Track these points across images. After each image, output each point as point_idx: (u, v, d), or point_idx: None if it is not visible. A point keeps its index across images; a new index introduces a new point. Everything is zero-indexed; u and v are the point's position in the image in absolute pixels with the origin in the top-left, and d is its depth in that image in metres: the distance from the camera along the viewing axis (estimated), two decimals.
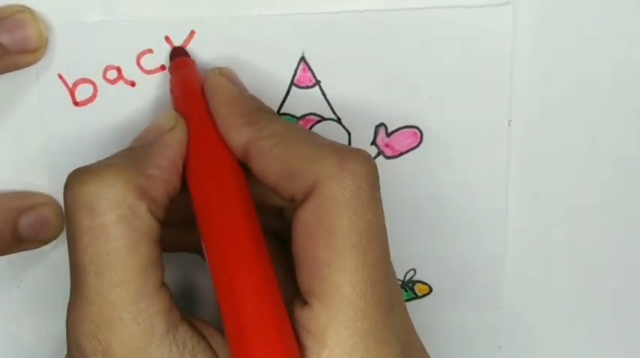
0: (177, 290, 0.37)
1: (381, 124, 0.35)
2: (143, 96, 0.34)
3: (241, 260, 0.28)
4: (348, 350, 0.27)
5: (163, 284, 0.28)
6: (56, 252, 0.36)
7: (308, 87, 0.35)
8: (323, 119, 0.35)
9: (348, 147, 0.30)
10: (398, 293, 0.30)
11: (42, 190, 0.35)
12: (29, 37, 0.32)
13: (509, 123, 0.35)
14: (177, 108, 0.32)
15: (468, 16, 0.33)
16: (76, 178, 0.28)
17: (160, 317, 0.28)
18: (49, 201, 0.35)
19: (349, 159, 0.28)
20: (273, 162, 0.29)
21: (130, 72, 0.34)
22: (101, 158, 0.34)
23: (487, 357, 0.39)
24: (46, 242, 0.35)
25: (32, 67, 0.33)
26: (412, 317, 0.38)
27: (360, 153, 0.29)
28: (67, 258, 0.29)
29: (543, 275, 0.38)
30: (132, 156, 0.29)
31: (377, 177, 0.29)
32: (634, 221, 0.37)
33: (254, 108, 0.31)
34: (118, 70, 0.34)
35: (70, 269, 0.28)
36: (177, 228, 0.32)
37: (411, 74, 0.34)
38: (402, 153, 0.36)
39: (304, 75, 0.34)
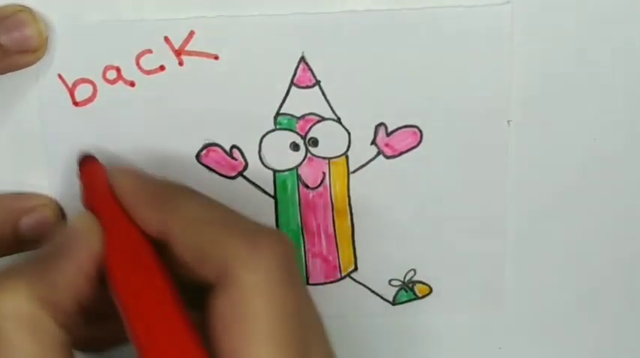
0: None
1: (381, 124, 0.35)
2: (142, 97, 0.34)
3: (175, 349, 0.27)
4: None
5: None
6: None
7: (308, 87, 0.35)
8: (323, 119, 0.35)
9: (261, 229, 0.29)
10: None
11: (42, 190, 0.35)
12: (29, 37, 0.32)
13: (509, 123, 0.35)
14: (90, 209, 0.32)
15: (467, 15, 0.33)
16: None
17: None
18: (49, 202, 0.35)
19: (260, 245, 0.27)
20: (186, 246, 0.29)
21: (130, 72, 0.34)
22: (101, 158, 0.34)
23: (487, 357, 0.39)
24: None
25: (32, 67, 0.33)
26: (412, 317, 0.38)
27: (272, 235, 0.28)
28: None
29: (543, 275, 0.38)
30: (39, 264, 0.29)
31: (291, 258, 0.28)
32: (634, 221, 0.37)
33: (164, 193, 0.30)
34: (118, 70, 0.34)
35: None
36: (107, 323, 0.32)
37: (411, 74, 0.34)
38: (401, 153, 0.36)
39: (304, 75, 0.34)
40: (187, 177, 0.33)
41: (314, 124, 0.35)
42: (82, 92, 0.34)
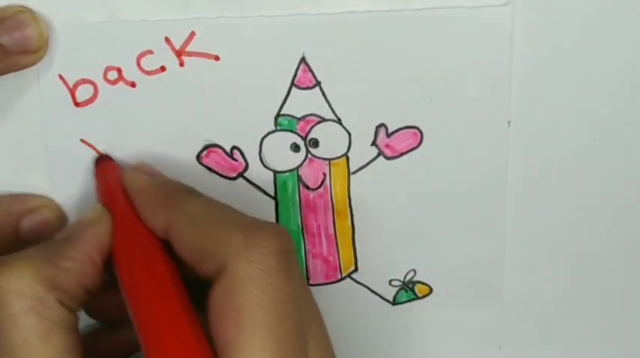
0: None
1: (382, 125, 0.35)
2: (143, 97, 0.34)
3: (179, 344, 0.28)
4: None
5: None
6: None
7: (308, 87, 0.35)
8: (323, 120, 0.35)
9: (258, 222, 0.29)
10: None
11: (42, 191, 0.35)
12: (30, 38, 0.32)
13: (509, 123, 0.35)
14: (105, 205, 0.33)
15: (468, 16, 0.33)
16: None
17: None
18: (49, 203, 0.35)
19: (256, 237, 0.28)
20: (187, 243, 0.29)
21: (130, 72, 0.34)
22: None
23: (487, 357, 0.39)
24: None
25: (33, 68, 0.33)
26: (413, 317, 0.38)
27: (269, 229, 0.29)
28: None
29: (543, 275, 0.38)
30: (48, 249, 0.30)
31: (288, 251, 0.28)
32: (634, 221, 0.37)
33: (169, 191, 0.31)
34: (119, 70, 0.34)
35: None
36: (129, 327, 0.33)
37: (411, 74, 0.34)
38: (402, 154, 0.36)
39: (305, 75, 0.34)
40: (188, 178, 0.33)
41: (314, 125, 0.35)
42: (83, 93, 0.34)
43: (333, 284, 0.38)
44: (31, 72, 0.33)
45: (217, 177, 0.35)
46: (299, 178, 0.36)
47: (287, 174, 0.36)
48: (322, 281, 0.37)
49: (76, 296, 0.29)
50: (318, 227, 0.37)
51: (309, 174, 0.36)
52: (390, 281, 0.38)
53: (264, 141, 0.35)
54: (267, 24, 0.34)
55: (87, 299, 0.30)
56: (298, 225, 0.36)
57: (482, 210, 0.36)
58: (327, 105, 0.35)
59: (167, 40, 0.34)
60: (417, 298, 0.38)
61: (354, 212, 0.36)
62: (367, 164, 0.36)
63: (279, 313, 0.27)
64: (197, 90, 0.34)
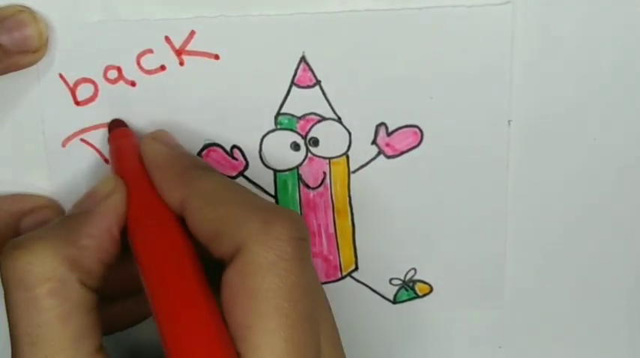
0: (125, 351, 0.37)
1: (382, 124, 0.35)
2: (143, 96, 0.34)
3: (192, 316, 0.28)
4: None
5: (101, 349, 0.29)
6: None
7: (308, 86, 0.35)
8: (323, 119, 0.35)
9: (276, 208, 0.30)
10: (330, 354, 0.30)
11: (43, 191, 0.35)
12: (30, 38, 0.32)
13: (509, 123, 0.35)
14: (117, 174, 0.32)
15: (468, 15, 0.33)
16: (9, 252, 0.28)
17: None
18: (49, 203, 0.35)
19: (274, 222, 0.28)
20: (202, 222, 0.29)
21: (131, 72, 0.34)
22: (101, 158, 0.34)
23: (488, 357, 0.39)
24: None
25: (33, 68, 0.33)
26: (413, 316, 0.38)
27: (287, 215, 0.28)
28: None
29: (543, 275, 0.38)
30: (66, 226, 0.30)
31: (304, 239, 0.29)
32: (634, 221, 0.37)
33: (186, 167, 0.31)
34: (119, 69, 0.34)
35: (10, 339, 0.29)
36: (129, 300, 0.34)
37: (411, 73, 0.34)
38: (402, 153, 0.36)
39: (304, 74, 0.34)
40: None
41: (314, 124, 0.35)
42: (84, 92, 0.34)
43: (334, 283, 0.38)
44: (31, 71, 0.33)
45: None
46: (299, 177, 0.36)
47: (287, 173, 0.36)
48: (323, 280, 0.37)
49: (97, 274, 0.29)
50: (319, 226, 0.37)
51: (309, 173, 0.36)
52: (391, 280, 0.38)
53: (264, 140, 0.35)
54: (267, 23, 0.33)
55: (106, 274, 0.30)
56: None
57: (483, 208, 0.36)
58: (327, 104, 0.35)
59: (167, 39, 0.34)
60: (418, 297, 0.38)
61: (354, 211, 0.36)
62: (367, 163, 0.36)
63: (293, 299, 0.27)
64: (197, 90, 0.34)
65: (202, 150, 0.35)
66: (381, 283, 0.38)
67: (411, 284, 0.38)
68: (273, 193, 0.36)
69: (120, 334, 0.35)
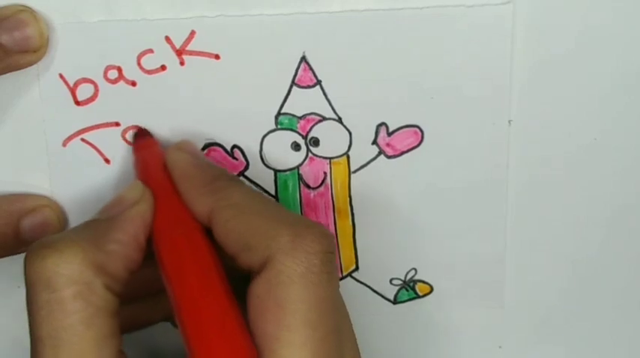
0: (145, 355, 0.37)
1: (382, 124, 0.35)
2: (144, 96, 0.34)
3: (219, 327, 0.28)
4: None
5: (121, 353, 0.29)
6: None
7: (309, 86, 0.35)
8: (324, 119, 0.35)
9: (304, 221, 0.30)
10: None
11: (43, 191, 0.35)
12: (30, 37, 0.32)
13: (509, 123, 0.35)
14: (143, 182, 0.32)
15: (468, 15, 0.33)
16: (36, 252, 0.28)
17: None
18: (50, 203, 0.35)
19: (303, 236, 0.28)
20: (231, 233, 0.29)
21: (131, 72, 0.34)
22: (102, 158, 0.34)
23: (488, 356, 0.39)
24: None
25: (33, 67, 0.33)
26: (413, 316, 0.38)
27: (316, 229, 0.29)
28: None
29: (543, 274, 0.38)
30: (93, 230, 0.30)
31: (332, 252, 0.29)
32: (634, 220, 0.37)
33: (214, 177, 0.31)
34: (119, 69, 0.34)
35: (30, 339, 0.29)
36: (145, 302, 0.34)
37: (411, 73, 0.34)
38: (402, 153, 0.36)
39: (305, 74, 0.34)
40: None
41: (315, 124, 0.35)
42: (84, 92, 0.34)
43: None
44: (31, 71, 0.33)
45: None
46: (299, 177, 0.36)
47: (287, 173, 0.36)
48: None
49: (121, 279, 0.29)
50: None
51: (309, 173, 0.36)
52: (391, 280, 0.38)
53: (265, 140, 0.35)
54: (268, 23, 0.34)
55: (129, 279, 0.30)
56: None
57: (483, 209, 0.36)
58: (327, 104, 0.35)
59: (167, 39, 0.34)
60: (418, 297, 0.38)
61: (354, 211, 0.36)
62: (368, 163, 0.36)
63: (321, 312, 0.28)
64: (197, 90, 0.34)
65: (203, 149, 0.35)
66: (381, 283, 0.38)
67: (411, 284, 0.38)
68: (273, 193, 0.36)
69: (138, 338, 0.35)
